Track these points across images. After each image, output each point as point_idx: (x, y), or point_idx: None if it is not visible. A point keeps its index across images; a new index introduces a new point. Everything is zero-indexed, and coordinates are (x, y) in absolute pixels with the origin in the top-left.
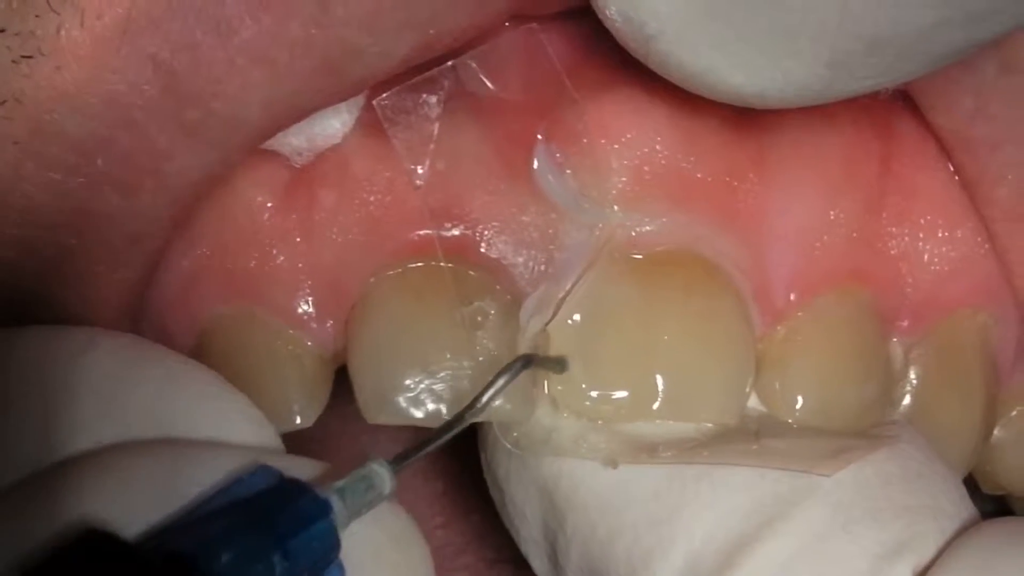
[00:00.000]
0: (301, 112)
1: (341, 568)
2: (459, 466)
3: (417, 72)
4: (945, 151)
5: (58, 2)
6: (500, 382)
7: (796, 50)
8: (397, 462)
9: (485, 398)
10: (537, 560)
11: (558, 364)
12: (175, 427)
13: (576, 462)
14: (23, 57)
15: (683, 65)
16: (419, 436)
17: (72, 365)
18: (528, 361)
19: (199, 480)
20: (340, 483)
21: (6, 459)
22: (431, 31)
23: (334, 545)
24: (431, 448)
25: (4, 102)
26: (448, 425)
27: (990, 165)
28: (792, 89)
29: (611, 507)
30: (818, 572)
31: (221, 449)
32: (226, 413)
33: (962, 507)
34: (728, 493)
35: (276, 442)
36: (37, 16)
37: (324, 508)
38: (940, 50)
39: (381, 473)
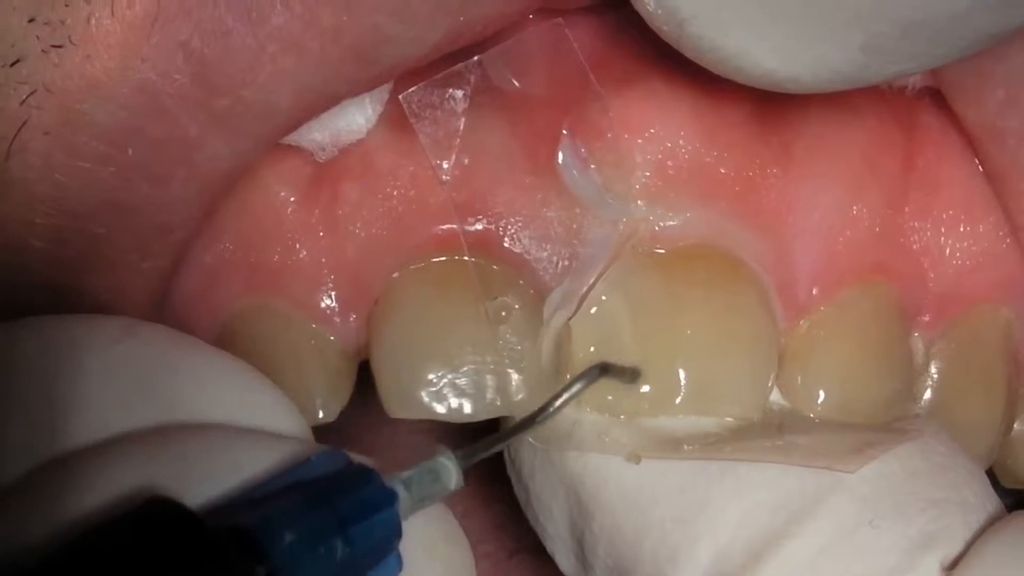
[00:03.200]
0: (331, 100)
1: (399, 558)
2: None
3: (445, 63)
4: (971, 144)
5: None
6: (576, 387)
7: (830, 34)
8: (464, 458)
9: (558, 403)
10: (563, 557)
11: (631, 373)
12: (215, 414)
13: (601, 459)
14: (53, 47)
15: (716, 49)
16: (441, 431)
17: (110, 352)
18: (605, 368)
19: (254, 461)
20: (407, 473)
21: (45, 439)
22: (461, 18)
23: (396, 535)
24: (498, 447)
25: (34, 92)
26: (518, 426)
27: (1020, 156)
28: (826, 73)
29: (637, 504)
30: (845, 567)
31: (271, 436)
32: (265, 403)
33: (987, 500)
34: (753, 489)
35: (309, 435)
36: (67, 5)
37: (390, 497)
38: (974, 34)
39: (448, 467)
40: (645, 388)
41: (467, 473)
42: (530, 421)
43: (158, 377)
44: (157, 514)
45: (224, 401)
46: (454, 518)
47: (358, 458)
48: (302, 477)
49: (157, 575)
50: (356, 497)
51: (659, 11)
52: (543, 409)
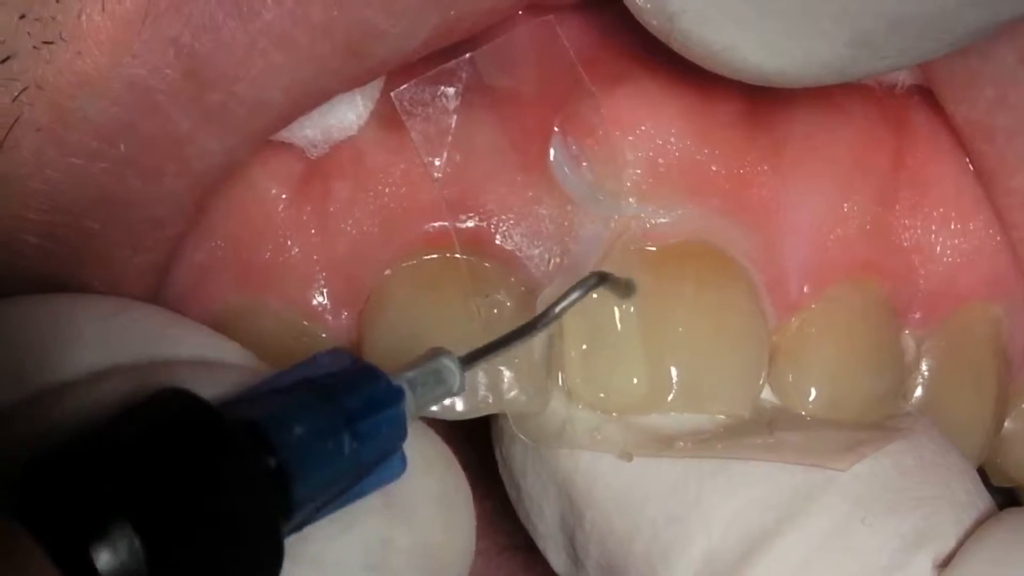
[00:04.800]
0: (322, 95)
1: (403, 458)
2: (473, 452)
3: (436, 61)
4: (962, 142)
5: None
6: (576, 294)
7: (818, 28)
8: (467, 360)
9: (558, 309)
10: (554, 555)
11: (627, 287)
12: None
13: (592, 457)
14: (44, 43)
15: (705, 43)
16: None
17: (106, 323)
18: (602, 278)
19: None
20: (411, 373)
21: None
22: (451, 12)
23: (401, 434)
24: (500, 351)
25: (25, 88)
26: (519, 331)
27: (1009, 154)
28: (814, 67)
29: (629, 503)
30: (838, 565)
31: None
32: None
33: (978, 497)
34: (745, 487)
35: None
36: (58, 1)
37: (396, 395)
38: (961, 29)
39: (451, 368)
40: (635, 381)
41: (465, 443)
42: (531, 327)
43: (153, 348)
44: (170, 404)
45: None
46: (447, 447)
47: None
48: (307, 376)
49: (171, 462)
50: (363, 393)
51: (648, 5)
52: (544, 315)
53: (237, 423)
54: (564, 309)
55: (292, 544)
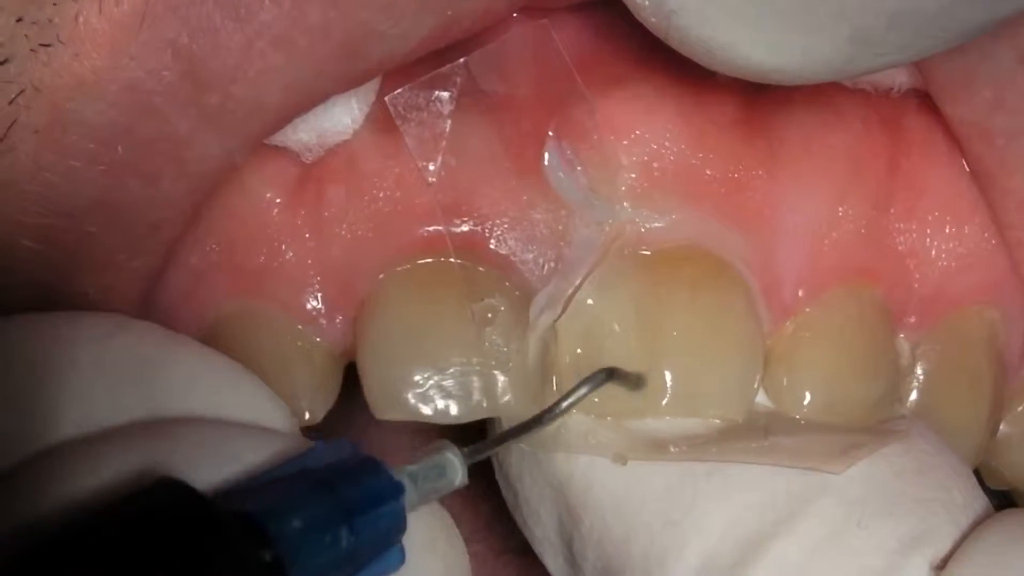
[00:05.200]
0: (319, 96)
1: (402, 551)
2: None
3: (431, 63)
4: (959, 144)
5: None
6: (583, 390)
7: (817, 25)
8: (469, 455)
9: (565, 404)
10: (552, 559)
11: (637, 381)
12: (206, 409)
13: (589, 462)
14: (41, 46)
15: (703, 40)
16: (427, 432)
17: (101, 346)
18: (611, 374)
19: (256, 451)
20: (413, 467)
21: (35, 430)
22: (448, 13)
23: (400, 527)
24: (502, 446)
25: (23, 91)
26: (524, 426)
27: (1007, 156)
28: (813, 65)
29: (625, 507)
30: (834, 568)
31: (267, 430)
32: (255, 400)
33: (974, 499)
34: (741, 490)
35: (298, 433)
36: (55, 4)
37: (396, 489)
38: (960, 26)
39: (454, 463)
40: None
41: (471, 470)
42: (536, 421)
43: (149, 371)
44: (165, 495)
45: (215, 396)
46: (451, 518)
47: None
48: (307, 465)
49: (164, 555)
50: (363, 487)
51: (646, 3)
52: (550, 410)
53: (233, 515)
54: (571, 405)
55: None
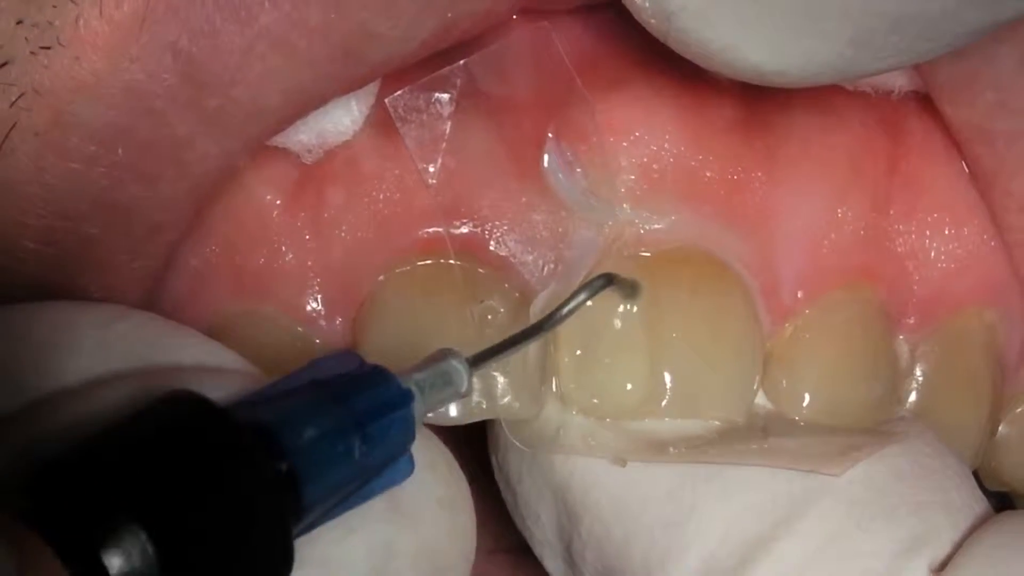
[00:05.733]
0: (320, 99)
1: (411, 460)
2: (461, 457)
3: (432, 66)
4: (959, 146)
5: None
6: (583, 295)
7: (819, 28)
8: (475, 361)
9: (565, 310)
10: (551, 561)
11: (632, 288)
12: None
13: (588, 464)
14: (42, 48)
15: (704, 42)
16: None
17: (105, 330)
18: (609, 280)
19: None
20: (420, 375)
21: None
22: (448, 15)
23: (410, 436)
24: (507, 354)
25: (23, 94)
26: (526, 332)
27: (1008, 157)
28: (814, 67)
29: (625, 509)
30: (835, 570)
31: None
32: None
33: (974, 501)
34: (741, 492)
35: None
36: (55, 6)
37: (405, 397)
38: (962, 29)
39: (459, 370)
40: (629, 386)
41: (454, 447)
42: (537, 329)
43: (151, 355)
44: (180, 407)
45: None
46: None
47: None
48: (316, 378)
49: (180, 464)
50: (372, 396)
51: (647, 4)
52: (552, 315)
53: (247, 426)
54: (572, 310)
55: (299, 546)
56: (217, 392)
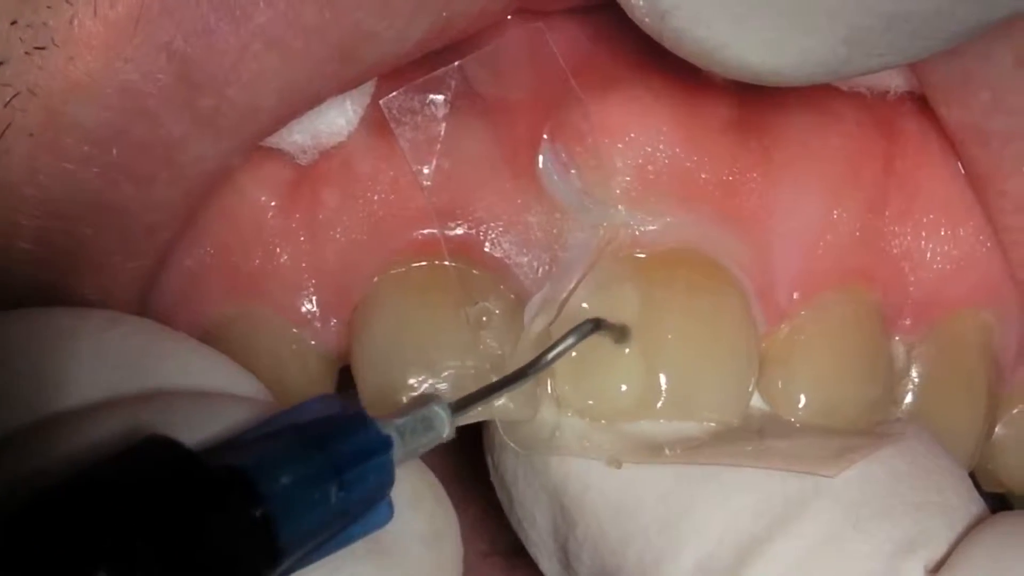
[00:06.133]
0: (315, 98)
1: (391, 506)
2: (456, 458)
3: (426, 66)
4: (954, 147)
5: None
6: (570, 340)
7: (813, 26)
8: (456, 407)
9: (551, 355)
10: (547, 562)
11: (621, 332)
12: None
13: (584, 465)
14: (36, 48)
15: (697, 41)
16: None
17: (97, 338)
18: (597, 324)
19: (244, 412)
20: (400, 421)
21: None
22: (444, 14)
23: (389, 481)
24: (490, 399)
25: (18, 94)
26: (511, 378)
27: (1004, 158)
28: (808, 66)
29: (621, 510)
30: (830, 571)
31: (254, 400)
32: (251, 388)
33: (970, 502)
34: (737, 493)
35: None
36: (49, 7)
37: (385, 443)
38: (957, 27)
39: (441, 416)
40: (624, 388)
41: (444, 475)
42: (523, 373)
43: (144, 363)
44: (154, 453)
45: (206, 383)
46: (436, 479)
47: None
48: (296, 422)
49: (153, 513)
50: (351, 442)
51: (641, 3)
52: (537, 360)
53: (222, 471)
54: (557, 356)
55: None
56: (203, 425)
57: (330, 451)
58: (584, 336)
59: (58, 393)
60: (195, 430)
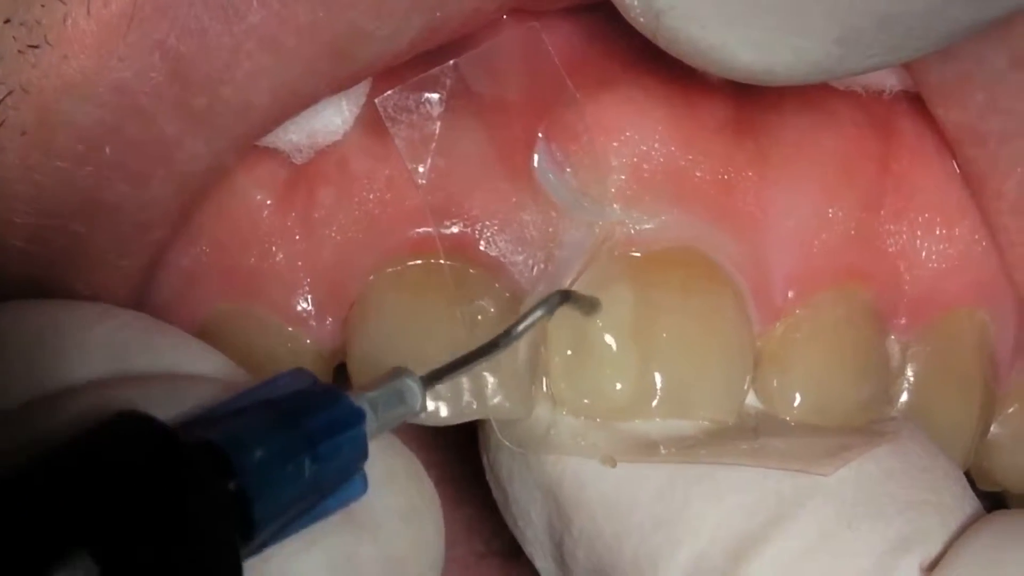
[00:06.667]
0: (309, 98)
1: (365, 479)
2: (452, 458)
3: (421, 66)
4: (950, 147)
5: None
6: (538, 312)
7: (807, 26)
8: (429, 380)
9: (521, 327)
10: (542, 561)
11: (591, 304)
12: None
13: (579, 463)
14: (29, 47)
15: (692, 41)
16: (415, 433)
17: (89, 331)
18: (566, 296)
19: (219, 388)
20: (373, 393)
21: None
22: (438, 13)
23: (362, 454)
24: (463, 371)
25: (11, 92)
26: (482, 350)
27: (1000, 158)
28: (802, 66)
29: (616, 509)
30: (825, 570)
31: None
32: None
33: (965, 501)
34: (732, 492)
35: None
36: (43, 5)
37: (357, 416)
38: (949, 27)
39: (413, 388)
40: (619, 386)
41: (440, 475)
42: (493, 346)
43: (135, 356)
44: (127, 428)
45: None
46: (415, 458)
47: None
48: (268, 396)
49: (127, 486)
50: (324, 415)
51: (635, 2)
52: (506, 333)
53: (196, 445)
54: (527, 328)
55: (255, 564)
56: (178, 404)
57: (303, 424)
58: (553, 308)
59: (40, 384)
60: (168, 407)
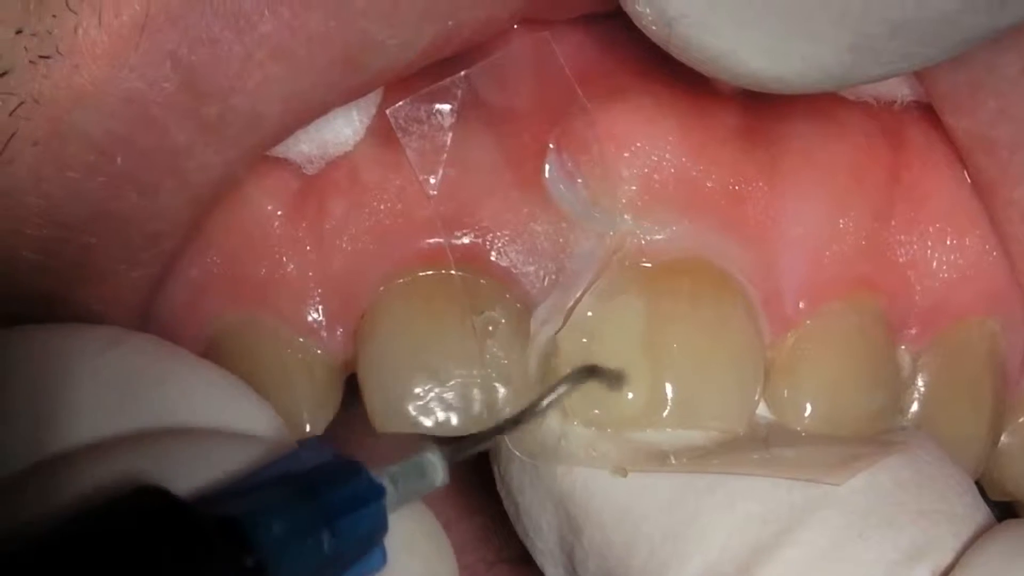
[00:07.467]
0: (320, 108)
1: (384, 552)
2: (464, 468)
3: (432, 75)
4: (960, 155)
5: (76, 1)
6: (562, 388)
7: (818, 34)
8: (450, 455)
9: (545, 402)
10: (553, 570)
11: (616, 378)
12: (200, 421)
13: (590, 474)
14: (41, 57)
15: (704, 48)
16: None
17: (99, 359)
18: (592, 371)
19: (240, 457)
20: (394, 468)
21: (33, 443)
22: (450, 22)
23: (382, 529)
24: (483, 447)
25: (22, 103)
26: (504, 425)
27: (1011, 167)
28: (813, 73)
29: (627, 519)
30: None
31: (255, 438)
32: (250, 412)
33: (976, 511)
34: (742, 502)
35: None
36: (54, 16)
37: (377, 491)
38: (962, 35)
39: (434, 463)
40: (630, 396)
41: (452, 483)
42: (516, 420)
43: (145, 385)
44: (146, 502)
45: (210, 409)
46: (434, 518)
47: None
48: (289, 470)
49: (146, 562)
50: (344, 490)
51: (648, 10)
52: (530, 408)
53: (214, 520)
54: (551, 403)
55: None
56: (203, 468)
57: (323, 499)
58: (578, 383)
59: (57, 426)
60: (188, 476)
